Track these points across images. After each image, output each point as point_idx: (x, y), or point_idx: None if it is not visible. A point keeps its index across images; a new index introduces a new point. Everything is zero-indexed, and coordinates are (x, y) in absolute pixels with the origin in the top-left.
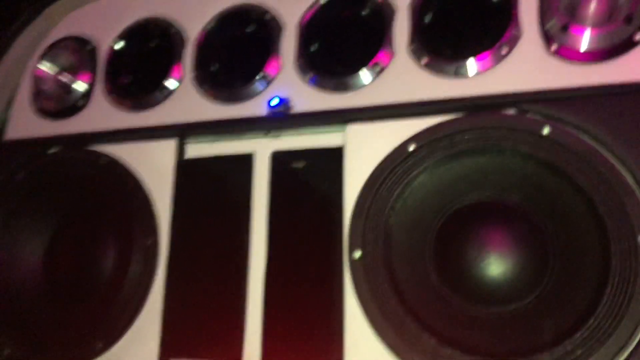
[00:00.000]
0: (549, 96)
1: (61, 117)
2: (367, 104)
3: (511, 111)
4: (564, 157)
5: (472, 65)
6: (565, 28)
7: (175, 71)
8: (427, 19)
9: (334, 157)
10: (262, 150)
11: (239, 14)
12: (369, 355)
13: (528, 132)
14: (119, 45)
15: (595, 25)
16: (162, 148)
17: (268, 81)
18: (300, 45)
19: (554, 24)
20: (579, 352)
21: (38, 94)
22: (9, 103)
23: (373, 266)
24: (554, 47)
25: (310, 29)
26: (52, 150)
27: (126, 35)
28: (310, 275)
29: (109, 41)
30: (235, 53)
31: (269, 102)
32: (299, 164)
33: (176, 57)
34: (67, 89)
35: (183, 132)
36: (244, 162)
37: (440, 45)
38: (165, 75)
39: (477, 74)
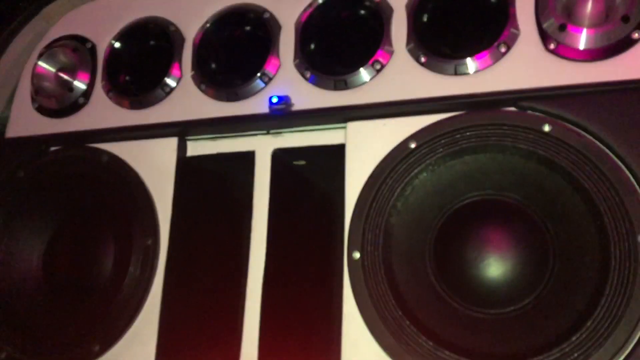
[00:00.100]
0: (548, 94)
1: (61, 115)
2: (368, 102)
3: (511, 109)
4: (565, 155)
5: (471, 63)
6: (563, 27)
7: (175, 70)
8: (426, 17)
9: (334, 155)
10: (262, 148)
11: (238, 13)
12: (367, 357)
13: (529, 129)
14: (119, 43)
15: (593, 25)
16: (163, 146)
17: (268, 79)
18: (299, 44)
19: (552, 22)
20: (576, 354)
21: (38, 93)
22: (9, 102)
23: (372, 267)
24: (552, 45)
25: (308, 28)
26: (52, 149)
27: (125, 34)
28: (310, 275)
29: (108, 40)
30: (235, 52)
31: (270, 99)
32: (300, 162)
33: (175, 56)
34: (67, 87)
35: (184, 129)
36: (245, 160)
37: (439, 44)
38: (165, 73)
39: (477, 72)
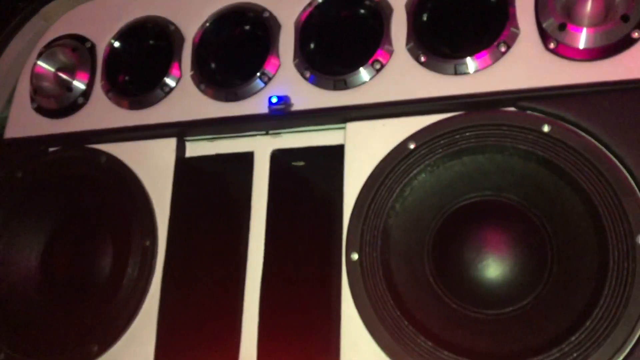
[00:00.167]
0: (547, 94)
1: (60, 115)
2: (367, 102)
3: (511, 109)
4: (564, 155)
5: (471, 63)
6: (563, 26)
7: (174, 69)
8: (425, 17)
9: (334, 155)
10: (261, 148)
11: (238, 13)
12: (366, 358)
13: (528, 129)
14: (118, 43)
15: (592, 25)
16: (162, 146)
17: (267, 79)
18: (298, 44)
19: (551, 22)
20: (575, 354)
21: (37, 92)
22: (8, 102)
23: (370, 268)
24: (552, 45)
25: (308, 27)
26: (51, 149)
27: (125, 33)
28: (308, 276)
29: (108, 39)
30: (234, 51)
31: (270, 99)
32: (299, 163)
33: (175, 56)
34: (66, 87)
35: (183, 130)
36: (244, 160)
37: (439, 43)
38: (164, 73)
39: (476, 71)
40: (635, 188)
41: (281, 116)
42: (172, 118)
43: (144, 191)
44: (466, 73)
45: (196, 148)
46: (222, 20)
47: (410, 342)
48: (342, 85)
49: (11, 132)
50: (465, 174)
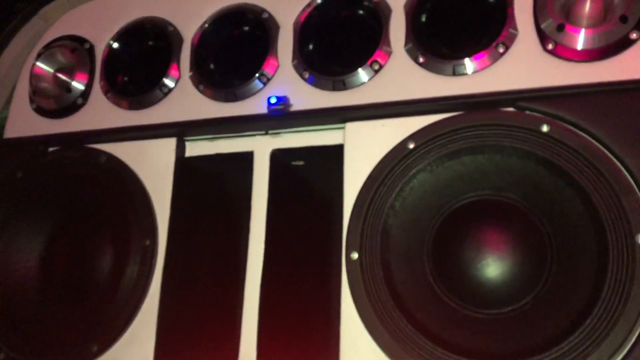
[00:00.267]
0: (546, 94)
1: (60, 116)
2: (366, 102)
3: (510, 109)
4: (563, 155)
5: (469, 63)
6: (561, 27)
7: (173, 70)
8: (424, 17)
9: (333, 155)
10: (261, 148)
11: (236, 13)
12: (365, 357)
13: (527, 129)
14: (117, 44)
15: (591, 26)
16: (162, 146)
17: (266, 80)
18: (297, 45)
19: (550, 23)
20: (574, 354)
21: (36, 93)
22: (7, 102)
23: (370, 267)
24: (550, 45)
25: (307, 28)
26: (50, 149)
27: (124, 34)
28: (308, 275)
29: (107, 40)
30: (233, 52)
31: (268, 100)
32: (299, 162)
33: (174, 56)
34: (65, 87)
35: (183, 130)
36: (244, 160)
37: (438, 44)
38: (163, 74)
39: (475, 72)
40: (635, 188)
41: (280, 116)
42: (171, 118)
43: (144, 191)
44: (465, 74)
45: (196, 148)
46: (221, 21)
47: (409, 342)
48: (341, 86)
49: (11, 132)
50: (464, 174)
